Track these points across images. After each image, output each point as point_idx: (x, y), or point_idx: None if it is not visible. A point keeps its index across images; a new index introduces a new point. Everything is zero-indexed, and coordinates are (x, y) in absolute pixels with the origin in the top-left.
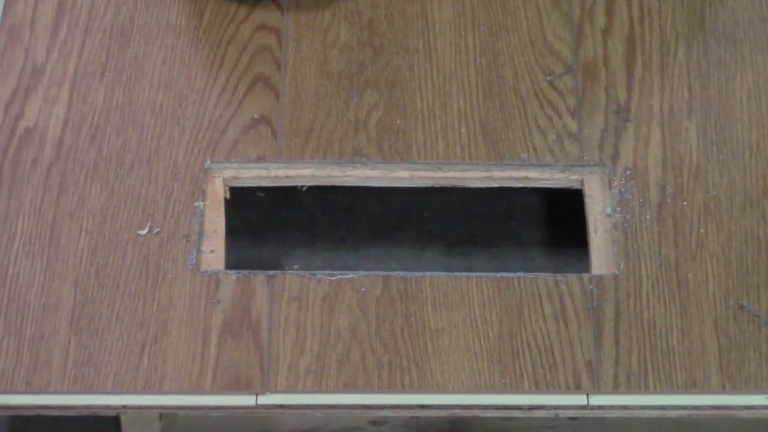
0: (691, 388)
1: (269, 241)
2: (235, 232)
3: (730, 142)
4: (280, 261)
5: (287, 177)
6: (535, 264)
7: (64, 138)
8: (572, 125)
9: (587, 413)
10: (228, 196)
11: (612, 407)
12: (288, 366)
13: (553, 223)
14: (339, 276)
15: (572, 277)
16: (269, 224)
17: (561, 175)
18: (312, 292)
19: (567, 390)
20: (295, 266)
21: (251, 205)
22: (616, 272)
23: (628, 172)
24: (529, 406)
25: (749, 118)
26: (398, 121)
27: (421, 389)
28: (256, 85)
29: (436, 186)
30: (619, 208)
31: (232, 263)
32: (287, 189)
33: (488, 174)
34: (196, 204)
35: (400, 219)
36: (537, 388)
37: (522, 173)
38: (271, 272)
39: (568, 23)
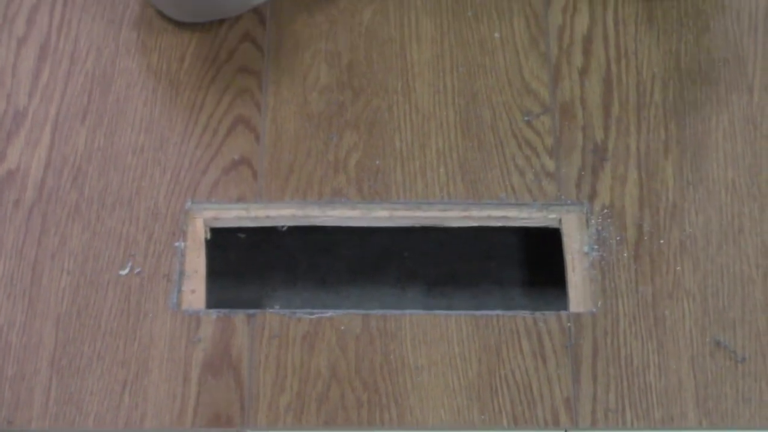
0: (668, 424)
1: (250, 282)
2: (216, 272)
3: (706, 181)
4: (261, 301)
5: (267, 217)
6: (515, 303)
7: (46, 179)
8: (550, 165)
9: None
10: (209, 237)
11: None
12: (268, 404)
13: (533, 263)
14: (318, 315)
15: (550, 315)
16: (251, 265)
17: (539, 214)
18: (292, 330)
19: (545, 426)
20: (276, 306)
21: (233, 246)
22: (594, 310)
23: (606, 210)
24: None
25: (725, 157)
26: (377, 162)
27: (401, 426)
28: (236, 126)
29: (416, 226)
30: (596, 246)
31: (213, 304)
32: (268, 230)
33: (467, 213)
34: (176, 244)
35: (381, 259)
36: (516, 424)
37: (500, 212)
38: (251, 311)
39: (546, 63)
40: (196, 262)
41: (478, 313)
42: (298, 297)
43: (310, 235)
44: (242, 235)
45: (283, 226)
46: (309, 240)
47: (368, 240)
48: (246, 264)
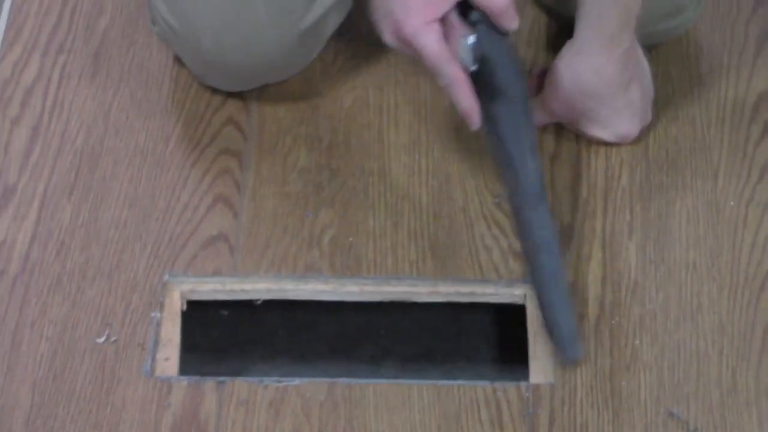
0: None
1: (230, 358)
2: (196, 347)
3: (668, 261)
4: (239, 375)
5: (242, 290)
6: (485, 377)
7: (31, 252)
8: (517, 244)
9: None
10: (185, 308)
11: None
12: None
13: (504, 339)
14: (285, 383)
15: (510, 385)
16: (230, 341)
17: (505, 290)
18: (259, 397)
19: None
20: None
21: (213, 322)
22: (552, 381)
23: (569, 287)
24: None
25: (687, 239)
26: (351, 239)
27: None
28: (216, 204)
29: (385, 300)
30: None
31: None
32: (249, 307)
33: (435, 289)
34: (153, 314)
35: (357, 336)
36: None
37: (468, 288)
38: (221, 378)
39: None
40: (172, 331)
41: (439, 382)
42: (276, 371)
43: (290, 313)
44: (224, 312)
45: (257, 300)
46: (288, 317)
47: (345, 318)
48: (225, 340)
